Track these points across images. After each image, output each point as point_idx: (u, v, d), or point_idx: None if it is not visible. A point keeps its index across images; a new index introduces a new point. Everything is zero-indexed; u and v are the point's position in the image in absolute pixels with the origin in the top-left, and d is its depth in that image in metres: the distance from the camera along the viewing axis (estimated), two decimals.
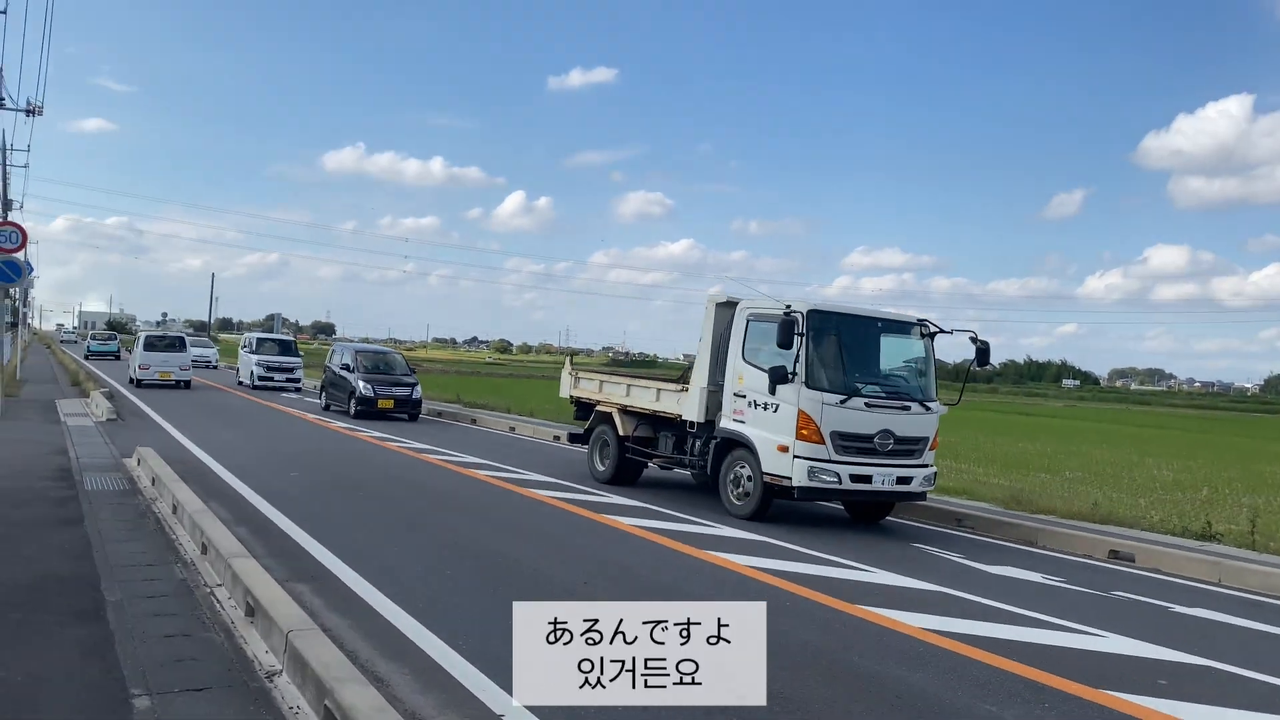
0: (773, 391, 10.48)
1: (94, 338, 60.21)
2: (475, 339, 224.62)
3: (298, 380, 31.64)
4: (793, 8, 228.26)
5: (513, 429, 22.11)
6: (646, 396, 12.72)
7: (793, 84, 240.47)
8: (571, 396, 14.57)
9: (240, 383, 32.42)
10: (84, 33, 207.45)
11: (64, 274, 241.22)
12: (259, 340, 34.17)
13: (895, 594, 7.88)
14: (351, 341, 29.01)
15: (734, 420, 11.09)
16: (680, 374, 13.90)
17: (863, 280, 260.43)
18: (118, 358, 46.25)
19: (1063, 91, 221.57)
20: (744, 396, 10.99)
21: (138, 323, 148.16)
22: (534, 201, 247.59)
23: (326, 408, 23.95)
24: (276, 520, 9.44)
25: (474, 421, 23.65)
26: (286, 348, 33.77)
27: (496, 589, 7.21)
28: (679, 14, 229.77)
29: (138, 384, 28.82)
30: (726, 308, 11.71)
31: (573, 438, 14.90)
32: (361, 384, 22.27)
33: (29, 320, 62.32)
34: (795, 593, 7.61)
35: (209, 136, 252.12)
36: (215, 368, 45.37)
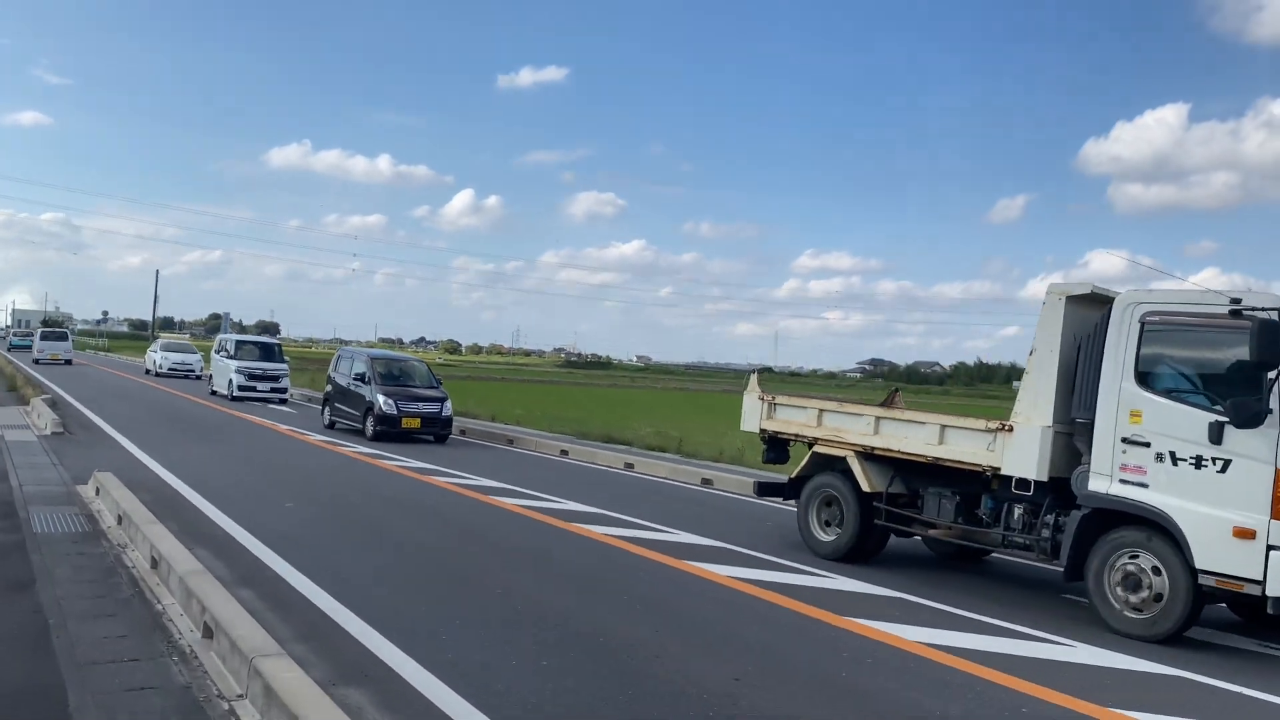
0: (1216, 439, 6.81)
1: (15, 334, 74.91)
2: (423, 339, 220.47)
3: (284, 390, 27.78)
4: (744, 12, 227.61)
5: (511, 441, 20.03)
6: (918, 436, 8.74)
7: (744, 87, 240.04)
8: (762, 430, 10.44)
9: (214, 392, 28.21)
10: (19, 23, 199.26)
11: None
12: (238, 344, 29.09)
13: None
14: (363, 347, 25.30)
15: (1123, 481, 7.25)
16: (886, 397, 10.70)
17: (811, 283, 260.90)
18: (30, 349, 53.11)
19: (1006, 99, 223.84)
20: (1145, 444, 7.17)
21: (75, 321, 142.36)
22: (483, 200, 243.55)
23: (331, 425, 20.27)
24: (289, 577, 7.34)
25: (511, 442, 21.44)
26: (270, 352, 29.01)
27: (631, 696, 5.23)
28: (630, 15, 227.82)
29: (36, 362, 42.04)
30: (1089, 304, 8.00)
31: (764, 488, 10.85)
32: (381, 399, 18.54)
33: None
34: None
35: (150, 131, 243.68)
36: (200, 377, 36.63)
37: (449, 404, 19.54)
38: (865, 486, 9.01)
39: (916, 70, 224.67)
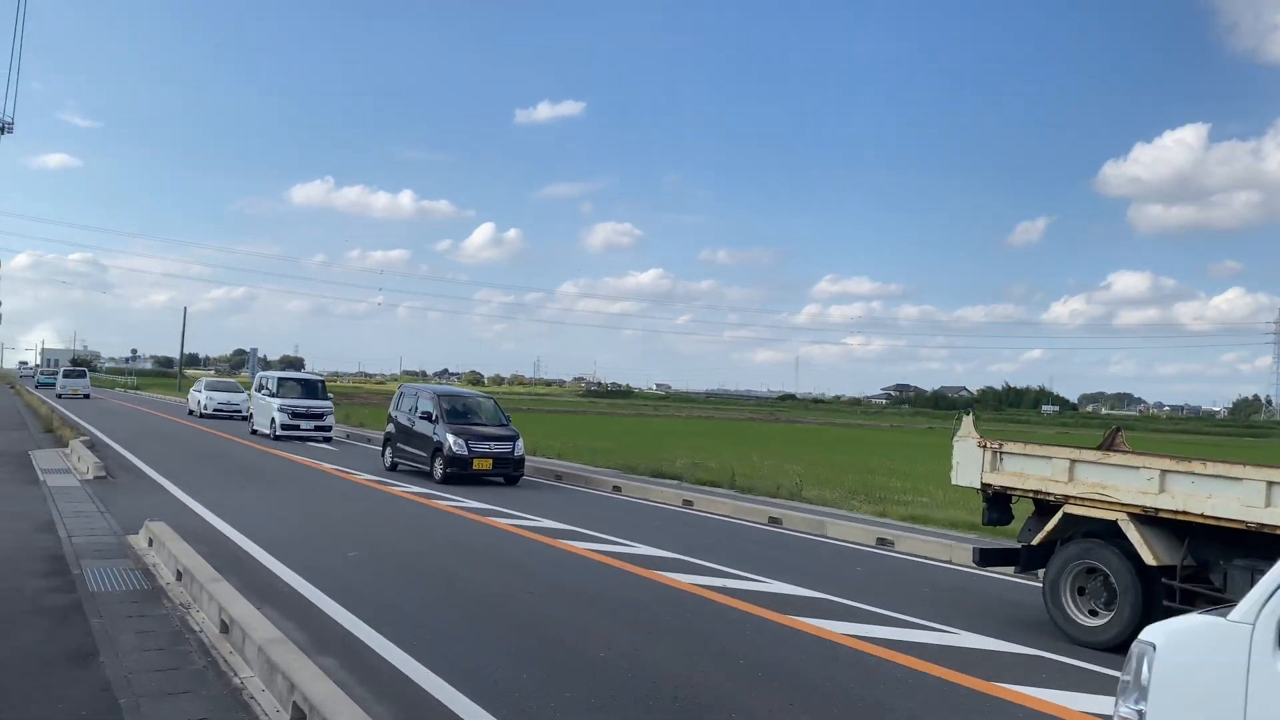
0: None
1: (42, 372, 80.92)
2: (446, 371, 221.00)
3: (329, 429, 26.80)
4: (757, 40, 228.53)
5: (559, 476, 19.34)
6: (1231, 495, 6.88)
7: (759, 114, 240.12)
8: (985, 485, 8.61)
9: (254, 431, 27.45)
10: (49, 68, 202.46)
11: (26, 310, 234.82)
12: (280, 381, 27.90)
13: None
14: (426, 382, 24.34)
15: None
16: (1105, 438, 9.00)
17: (831, 308, 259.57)
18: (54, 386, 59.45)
19: (1023, 121, 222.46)
20: None
21: (103, 359, 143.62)
22: (503, 233, 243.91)
23: (393, 467, 19.06)
24: (369, 640, 6.71)
25: (559, 477, 19.78)
26: (313, 389, 27.81)
27: None
28: (645, 47, 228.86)
29: (59, 397, 49.21)
30: None
31: (989, 556, 9.01)
32: (451, 438, 17.14)
33: None
34: None
35: (174, 171, 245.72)
36: (246, 417, 32.43)
37: (520, 443, 18.04)
38: (1149, 559, 7.18)
39: (931, 95, 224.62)
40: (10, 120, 25.47)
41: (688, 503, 15.96)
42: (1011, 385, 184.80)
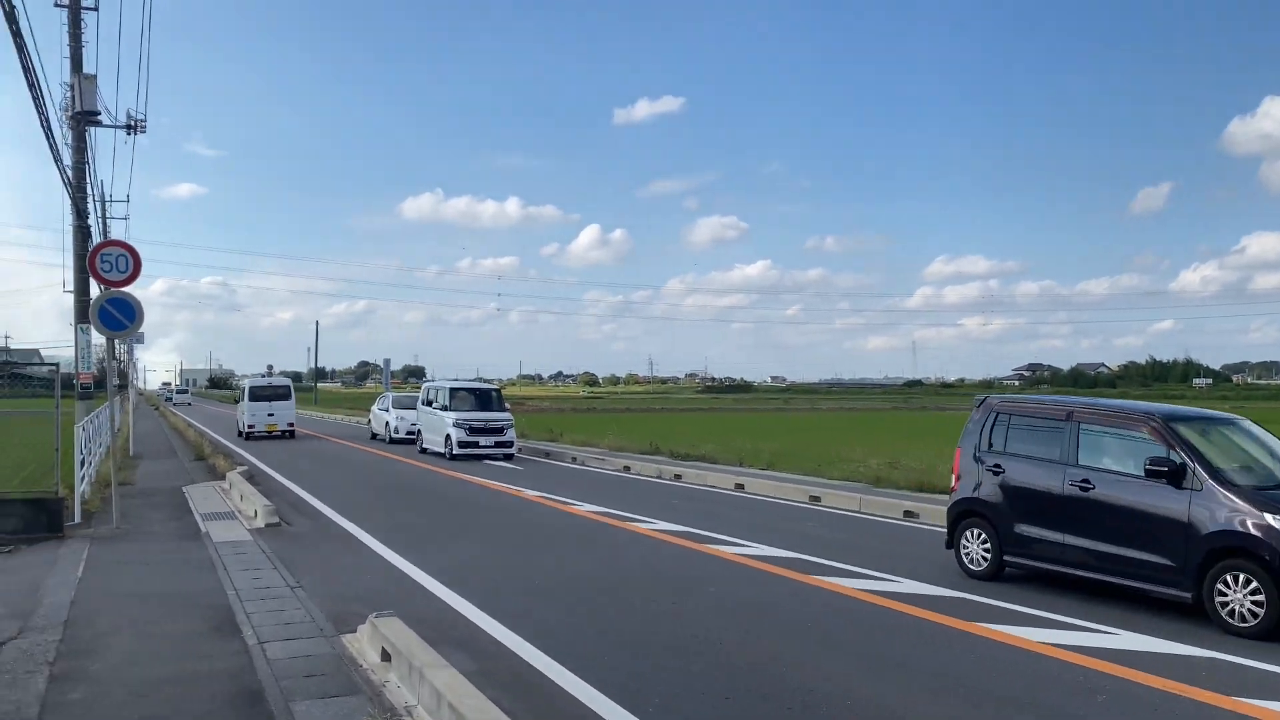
0: None
1: (171, 390, 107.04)
2: (560, 373, 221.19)
3: (510, 444, 23.44)
4: (852, 19, 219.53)
5: (817, 499, 15.39)
6: None
7: (858, 97, 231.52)
8: None
9: (424, 450, 24.73)
10: (177, 103, 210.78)
11: (164, 332, 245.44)
12: (451, 392, 24.29)
13: None
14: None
15: None
16: None
17: (946, 289, 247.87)
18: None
19: (1139, 85, 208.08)
20: None
21: (238, 376, 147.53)
22: (609, 234, 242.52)
23: (998, 569, 9.05)
24: None
25: (740, 486, 16.82)
26: (488, 400, 24.30)
27: None
28: (740, 38, 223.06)
29: (174, 405, 76.14)
30: None
31: None
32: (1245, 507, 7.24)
33: (134, 380, 61.84)
34: None
35: (294, 192, 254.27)
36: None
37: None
38: None
39: (1039, 59, 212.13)
40: (143, 117, 22.91)
41: None
42: (1156, 358, 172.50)
